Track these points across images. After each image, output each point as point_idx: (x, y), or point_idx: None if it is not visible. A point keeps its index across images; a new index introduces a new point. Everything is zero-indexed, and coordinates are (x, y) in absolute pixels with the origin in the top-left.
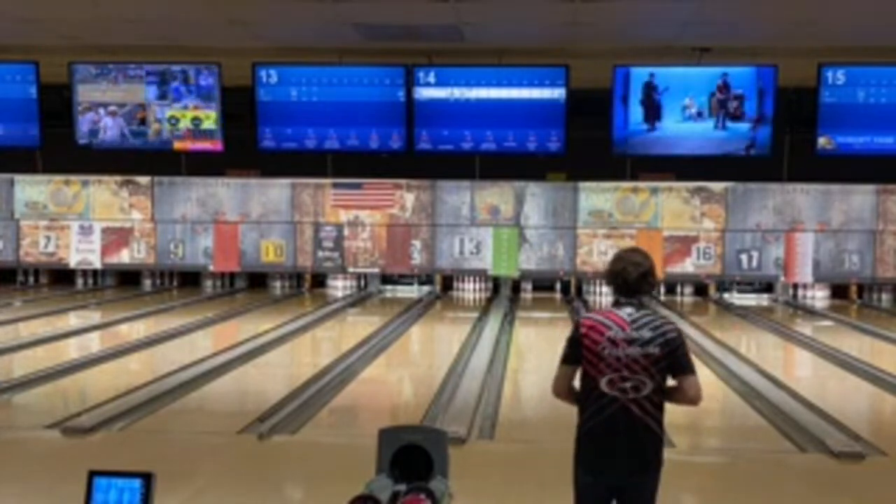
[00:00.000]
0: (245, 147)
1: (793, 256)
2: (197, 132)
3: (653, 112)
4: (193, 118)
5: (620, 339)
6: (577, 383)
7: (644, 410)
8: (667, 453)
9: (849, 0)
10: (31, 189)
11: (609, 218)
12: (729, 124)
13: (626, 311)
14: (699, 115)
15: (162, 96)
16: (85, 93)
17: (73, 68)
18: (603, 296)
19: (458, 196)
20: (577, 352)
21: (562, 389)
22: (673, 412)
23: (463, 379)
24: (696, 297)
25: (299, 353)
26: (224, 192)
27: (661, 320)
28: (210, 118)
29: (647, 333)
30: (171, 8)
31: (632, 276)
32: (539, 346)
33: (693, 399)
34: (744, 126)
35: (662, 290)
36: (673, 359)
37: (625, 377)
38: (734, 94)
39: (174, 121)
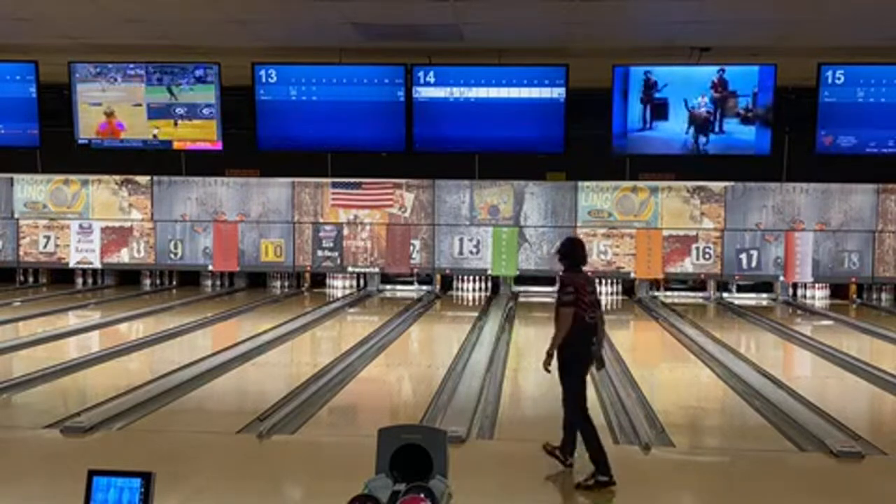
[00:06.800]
0: (245, 147)
1: (792, 256)
2: (196, 131)
3: (652, 111)
4: (193, 117)
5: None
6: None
7: None
8: (667, 453)
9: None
10: (30, 188)
11: (608, 217)
12: (728, 123)
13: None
14: (697, 113)
15: (161, 95)
16: (84, 92)
17: (73, 67)
18: (601, 295)
19: (457, 195)
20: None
21: None
22: (672, 413)
23: (462, 378)
24: (695, 297)
25: (299, 353)
26: (223, 192)
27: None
28: (209, 118)
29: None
30: (171, 8)
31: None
32: (538, 345)
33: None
34: (742, 125)
35: (662, 289)
36: None
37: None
38: (733, 92)
39: (173, 120)
